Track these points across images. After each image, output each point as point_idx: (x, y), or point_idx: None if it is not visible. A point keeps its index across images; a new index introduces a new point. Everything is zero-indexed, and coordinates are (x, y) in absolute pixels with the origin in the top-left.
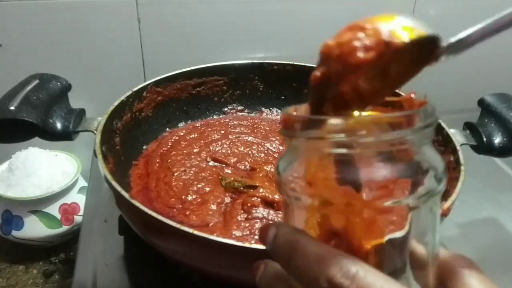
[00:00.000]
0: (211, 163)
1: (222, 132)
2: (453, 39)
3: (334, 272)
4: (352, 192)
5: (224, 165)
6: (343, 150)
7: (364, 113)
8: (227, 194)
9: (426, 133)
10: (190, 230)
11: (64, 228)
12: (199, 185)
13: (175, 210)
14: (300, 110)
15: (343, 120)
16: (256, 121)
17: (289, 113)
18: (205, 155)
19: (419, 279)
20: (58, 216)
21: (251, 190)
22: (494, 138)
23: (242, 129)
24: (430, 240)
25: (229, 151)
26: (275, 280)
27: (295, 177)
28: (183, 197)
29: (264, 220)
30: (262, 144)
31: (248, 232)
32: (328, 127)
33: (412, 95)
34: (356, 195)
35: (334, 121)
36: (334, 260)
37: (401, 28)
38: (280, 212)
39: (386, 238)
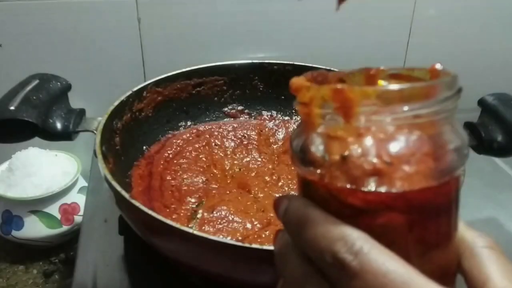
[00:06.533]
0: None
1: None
2: None
3: (338, 247)
4: (367, 165)
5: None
6: (361, 122)
7: (385, 83)
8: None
9: (450, 104)
10: (190, 230)
11: (64, 228)
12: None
13: (168, 210)
14: (318, 74)
15: (363, 91)
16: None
17: (305, 84)
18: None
19: (434, 257)
20: (58, 216)
21: None
22: (494, 138)
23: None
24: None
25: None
26: (285, 249)
27: (309, 150)
28: (185, 199)
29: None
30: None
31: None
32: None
33: (438, 66)
34: (372, 169)
35: (353, 93)
36: (341, 235)
37: None
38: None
39: None
